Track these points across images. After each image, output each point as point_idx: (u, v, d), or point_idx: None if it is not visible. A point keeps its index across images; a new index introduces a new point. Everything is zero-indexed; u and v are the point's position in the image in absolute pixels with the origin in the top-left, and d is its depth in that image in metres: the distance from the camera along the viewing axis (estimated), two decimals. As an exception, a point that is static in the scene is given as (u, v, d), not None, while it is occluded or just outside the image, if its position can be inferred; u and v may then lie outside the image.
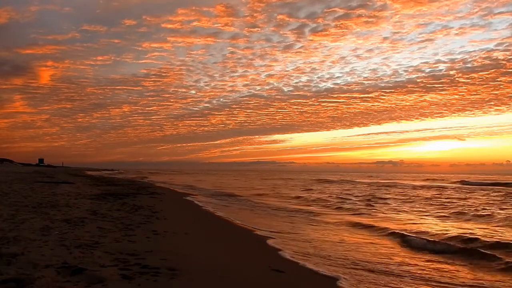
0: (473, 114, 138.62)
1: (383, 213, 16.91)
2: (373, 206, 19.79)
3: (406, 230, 11.82)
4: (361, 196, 26.82)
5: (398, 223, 13.71)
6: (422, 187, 40.13)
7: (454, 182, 54.30)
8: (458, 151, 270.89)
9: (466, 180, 58.41)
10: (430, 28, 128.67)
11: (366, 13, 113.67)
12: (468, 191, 33.23)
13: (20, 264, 5.01)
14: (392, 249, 9.35)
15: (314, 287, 6.02)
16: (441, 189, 36.49)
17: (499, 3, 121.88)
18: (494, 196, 27.11)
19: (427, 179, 67.50)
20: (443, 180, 63.80)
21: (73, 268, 5.00)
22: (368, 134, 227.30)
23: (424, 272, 7.35)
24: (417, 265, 7.86)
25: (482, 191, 32.18)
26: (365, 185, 43.13)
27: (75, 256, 5.69)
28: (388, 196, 27.03)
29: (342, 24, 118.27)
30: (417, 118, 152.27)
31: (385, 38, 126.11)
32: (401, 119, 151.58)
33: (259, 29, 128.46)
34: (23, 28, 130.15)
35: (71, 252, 5.93)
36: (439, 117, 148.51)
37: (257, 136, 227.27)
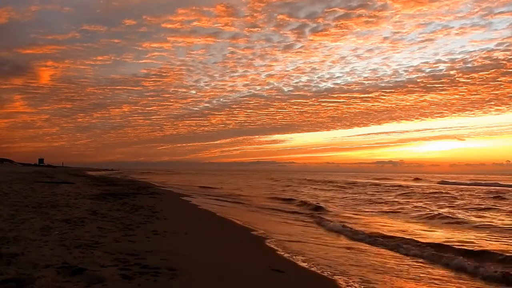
0: (473, 114, 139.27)
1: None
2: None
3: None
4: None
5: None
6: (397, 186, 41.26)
7: (435, 182, 56.51)
8: (458, 151, 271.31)
9: (445, 180, 61.16)
10: (430, 28, 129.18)
11: (367, 13, 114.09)
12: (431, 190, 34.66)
13: (20, 264, 5.01)
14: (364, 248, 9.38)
15: (314, 287, 6.02)
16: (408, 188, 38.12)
17: (500, 3, 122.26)
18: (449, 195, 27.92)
19: (415, 179, 69.12)
20: (415, 180, 66.33)
21: (73, 268, 5.00)
22: (368, 134, 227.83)
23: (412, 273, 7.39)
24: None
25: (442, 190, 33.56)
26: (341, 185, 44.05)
27: (75, 256, 5.69)
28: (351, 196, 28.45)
29: (342, 24, 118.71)
30: (417, 118, 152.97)
31: (385, 38, 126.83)
32: (401, 119, 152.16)
33: (259, 29, 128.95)
34: (23, 28, 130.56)
35: (71, 252, 5.93)
36: (439, 117, 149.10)
37: (257, 136, 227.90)
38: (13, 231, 7.22)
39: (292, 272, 6.59)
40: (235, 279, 5.57)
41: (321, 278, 6.43)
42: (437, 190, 33.36)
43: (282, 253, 8.16)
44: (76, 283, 4.49)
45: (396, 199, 24.71)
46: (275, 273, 6.27)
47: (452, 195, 27.37)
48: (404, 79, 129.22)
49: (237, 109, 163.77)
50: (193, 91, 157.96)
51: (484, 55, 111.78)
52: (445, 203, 21.89)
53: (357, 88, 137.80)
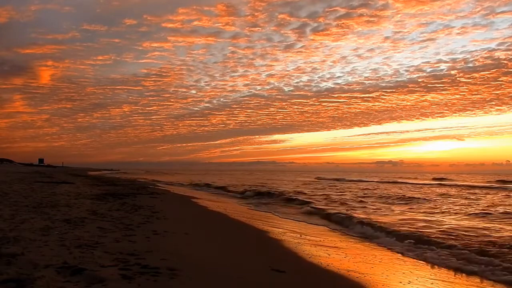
0: (474, 114, 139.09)
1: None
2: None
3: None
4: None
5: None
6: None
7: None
8: (458, 151, 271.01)
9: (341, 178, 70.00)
10: (431, 28, 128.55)
11: (368, 12, 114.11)
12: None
13: (20, 264, 5.01)
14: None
15: (316, 286, 6.02)
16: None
17: (501, 2, 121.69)
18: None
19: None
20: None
21: (73, 268, 4.99)
22: (369, 134, 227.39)
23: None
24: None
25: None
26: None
27: (75, 256, 5.69)
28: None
29: (343, 23, 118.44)
30: (417, 118, 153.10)
31: (387, 38, 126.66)
32: (402, 119, 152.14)
33: (260, 28, 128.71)
34: (23, 27, 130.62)
35: (71, 252, 5.93)
36: (440, 117, 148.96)
37: (257, 136, 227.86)
38: (13, 231, 7.22)
39: (293, 272, 6.58)
40: (235, 279, 5.57)
41: (323, 276, 6.43)
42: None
43: (285, 251, 8.16)
44: (76, 283, 4.49)
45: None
46: (276, 273, 6.27)
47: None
48: (405, 79, 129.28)
49: (238, 109, 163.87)
50: (194, 91, 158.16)
51: (486, 55, 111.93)
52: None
53: (357, 88, 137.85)
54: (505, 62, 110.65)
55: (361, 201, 21.99)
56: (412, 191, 33.16)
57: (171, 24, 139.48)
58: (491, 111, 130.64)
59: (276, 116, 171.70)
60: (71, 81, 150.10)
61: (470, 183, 47.90)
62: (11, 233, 6.96)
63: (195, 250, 7.38)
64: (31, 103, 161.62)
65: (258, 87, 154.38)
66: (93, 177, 45.21)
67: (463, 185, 43.04)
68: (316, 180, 63.70)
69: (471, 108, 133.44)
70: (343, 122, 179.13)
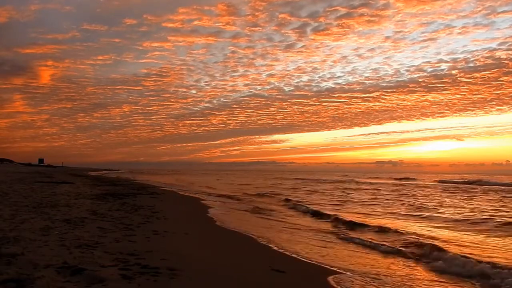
0: (474, 114, 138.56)
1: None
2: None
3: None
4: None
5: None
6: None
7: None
8: (458, 151, 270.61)
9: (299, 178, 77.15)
10: (432, 27, 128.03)
11: (368, 12, 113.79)
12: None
13: (20, 264, 5.01)
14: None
15: (316, 286, 6.02)
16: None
17: (503, 2, 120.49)
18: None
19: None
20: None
21: (73, 268, 5.00)
22: (369, 134, 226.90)
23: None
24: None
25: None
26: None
27: (75, 256, 5.69)
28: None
29: (344, 23, 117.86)
30: (418, 118, 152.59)
31: (387, 37, 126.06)
32: (402, 119, 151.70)
33: (260, 28, 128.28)
34: (23, 27, 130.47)
35: (71, 252, 5.93)
36: (440, 117, 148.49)
37: (257, 136, 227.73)
38: (13, 231, 7.22)
39: (293, 271, 6.58)
40: (235, 279, 5.57)
41: (324, 277, 6.43)
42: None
43: (283, 251, 8.16)
44: (76, 283, 4.49)
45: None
46: (276, 273, 6.27)
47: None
48: (405, 78, 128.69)
49: (238, 109, 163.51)
50: (194, 91, 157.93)
51: (486, 55, 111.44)
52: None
53: (358, 88, 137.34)
54: (506, 62, 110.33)
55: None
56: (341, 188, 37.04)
57: (171, 24, 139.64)
58: (491, 111, 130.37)
59: (276, 116, 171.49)
60: (71, 81, 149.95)
61: (412, 182, 55.45)
62: (11, 233, 6.96)
63: (195, 250, 7.39)
64: (31, 103, 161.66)
65: (259, 87, 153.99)
66: (93, 177, 45.23)
67: (405, 184, 49.51)
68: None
69: (472, 108, 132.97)
70: (343, 122, 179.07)
